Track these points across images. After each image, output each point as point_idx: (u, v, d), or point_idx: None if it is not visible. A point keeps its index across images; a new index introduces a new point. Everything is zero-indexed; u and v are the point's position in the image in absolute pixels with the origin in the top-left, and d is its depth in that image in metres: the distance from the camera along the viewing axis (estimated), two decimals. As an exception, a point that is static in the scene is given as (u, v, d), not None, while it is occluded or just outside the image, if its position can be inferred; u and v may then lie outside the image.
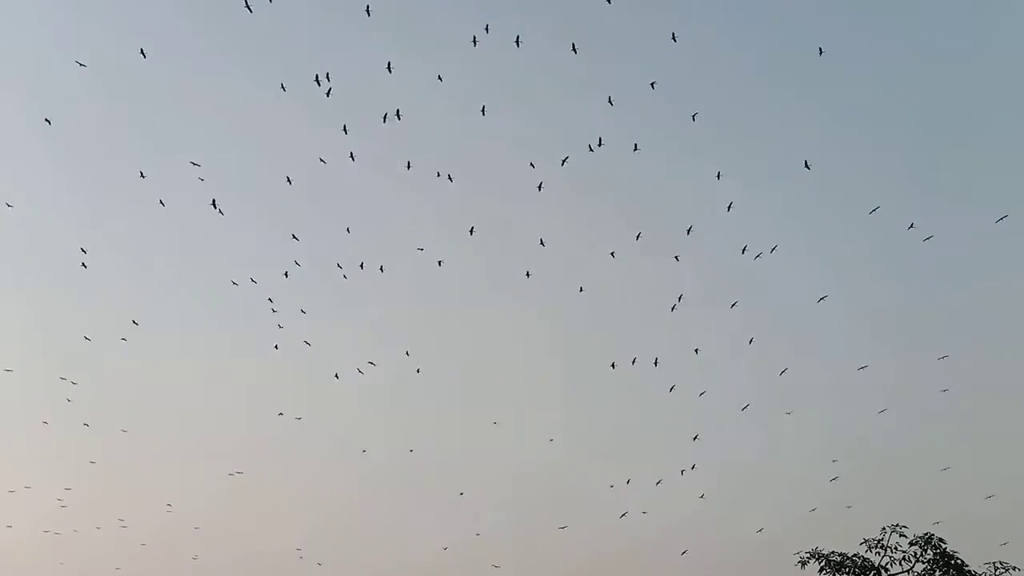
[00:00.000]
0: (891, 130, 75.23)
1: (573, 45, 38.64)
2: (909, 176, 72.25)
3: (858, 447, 55.23)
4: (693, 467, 45.31)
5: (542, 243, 44.97)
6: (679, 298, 43.57)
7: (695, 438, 44.20)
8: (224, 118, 74.38)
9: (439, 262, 46.69)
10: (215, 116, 75.35)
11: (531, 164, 44.63)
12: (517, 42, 38.55)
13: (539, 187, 42.00)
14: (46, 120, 41.90)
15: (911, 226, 41.90)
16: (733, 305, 45.30)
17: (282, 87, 42.99)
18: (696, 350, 44.36)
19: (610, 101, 40.88)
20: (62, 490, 54.84)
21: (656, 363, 42.67)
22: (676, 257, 44.27)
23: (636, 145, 41.86)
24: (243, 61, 71.97)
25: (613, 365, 45.15)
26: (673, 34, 38.46)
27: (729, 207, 42.61)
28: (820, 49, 40.30)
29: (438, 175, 43.77)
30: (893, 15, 75.39)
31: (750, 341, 45.28)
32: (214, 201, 39.22)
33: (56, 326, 70.71)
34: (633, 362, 44.47)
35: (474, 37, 37.37)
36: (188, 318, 72.18)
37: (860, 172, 70.29)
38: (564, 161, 41.04)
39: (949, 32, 75.56)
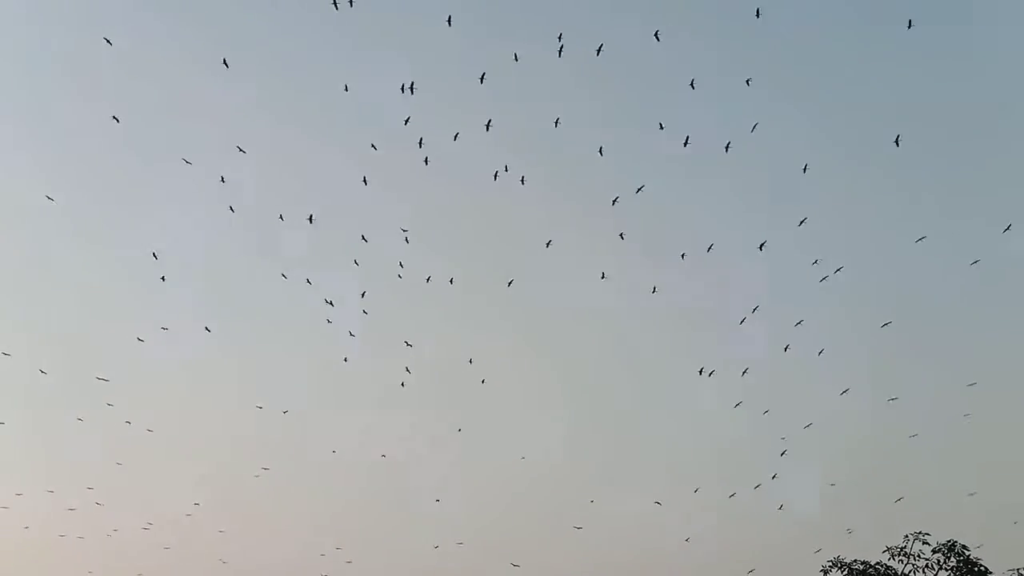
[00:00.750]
0: (929, 159, 74.38)
1: (656, 33, 37.40)
2: (950, 205, 71.85)
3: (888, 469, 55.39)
4: (756, 487, 45.06)
5: (621, 237, 43.77)
6: (753, 310, 43.23)
7: (782, 454, 43.90)
8: (293, 122, 72.39)
9: (509, 282, 46.68)
10: (284, 121, 72.97)
11: (599, 151, 42.93)
12: (598, 52, 37.64)
13: (613, 201, 41.38)
14: (114, 118, 39.90)
15: (1008, 228, 40.98)
16: (798, 324, 44.70)
17: (345, 88, 42.27)
18: (787, 347, 44.24)
19: (692, 85, 39.77)
20: (84, 490, 53.33)
21: (744, 373, 42.69)
22: (760, 246, 42.59)
23: (728, 144, 40.45)
24: (312, 64, 70.25)
25: (700, 371, 44.72)
26: (757, 10, 36.42)
27: (801, 223, 42.09)
28: (909, 21, 38.95)
29: (506, 169, 42.38)
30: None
31: (819, 352, 45.02)
32: (310, 217, 38.03)
33: (86, 324, 69.14)
34: (711, 373, 44.42)
35: (560, 48, 36.61)
36: (224, 317, 70.38)
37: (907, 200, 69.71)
38: (639, 189, 40.92)
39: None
